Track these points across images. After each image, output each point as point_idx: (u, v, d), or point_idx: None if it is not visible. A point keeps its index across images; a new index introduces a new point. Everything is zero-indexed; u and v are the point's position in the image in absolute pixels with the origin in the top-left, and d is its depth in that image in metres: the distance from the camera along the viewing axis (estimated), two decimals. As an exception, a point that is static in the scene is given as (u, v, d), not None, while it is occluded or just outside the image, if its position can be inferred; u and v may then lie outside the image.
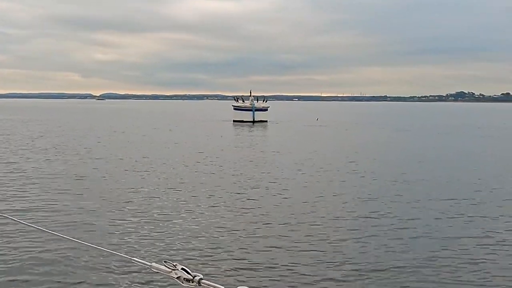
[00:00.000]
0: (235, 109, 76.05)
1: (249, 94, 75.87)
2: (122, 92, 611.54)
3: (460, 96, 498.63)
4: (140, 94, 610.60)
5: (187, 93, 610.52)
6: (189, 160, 28.87)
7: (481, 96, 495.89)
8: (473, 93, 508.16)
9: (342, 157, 30.94)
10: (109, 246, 11.76)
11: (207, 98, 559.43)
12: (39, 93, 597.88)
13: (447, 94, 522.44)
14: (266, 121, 73.46)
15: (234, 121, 73.91)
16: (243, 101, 75.38)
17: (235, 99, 77.61)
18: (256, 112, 72.99)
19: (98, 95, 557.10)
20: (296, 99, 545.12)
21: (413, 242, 13.04)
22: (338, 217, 15.60)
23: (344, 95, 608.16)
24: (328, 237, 13.28)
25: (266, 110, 75.34)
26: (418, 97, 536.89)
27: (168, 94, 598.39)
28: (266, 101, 76.85)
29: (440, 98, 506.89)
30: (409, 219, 15.23)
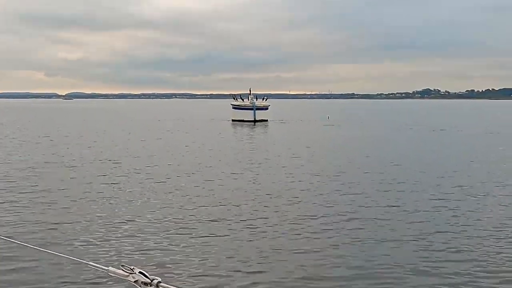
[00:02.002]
0: (234, 108, 72.91)
1: (249, 92, 72.83)
2: (89, 91, 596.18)
3: (426, 93, 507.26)
4: (107, 93, 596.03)
5: (155, 91, 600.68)
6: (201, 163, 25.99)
7: (446, 93, 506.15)
8: (439, 90, 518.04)
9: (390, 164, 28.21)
10: (63, 250, 11.42)
11: (176, 97, 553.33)
12: (2, 93, 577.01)
13: (414, 91, 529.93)
14: (267, 120, 70.57)
15: (233, 120, 70.77)
16: (243, 99, 72.27)
17: (233, 98, 74.59)
18: (256, 111, 69.94)
19: (63, 94, 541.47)
20: (266, 98, 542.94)
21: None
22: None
23: (313, 93, 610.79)
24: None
25: (267, 109, 72.39)
26: (386, 94, 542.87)
27: (136, 93, 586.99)
28: (266, 100, 73.82)
29: (407, 95, 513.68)
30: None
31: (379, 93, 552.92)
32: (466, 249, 11.87)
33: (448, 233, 13.15)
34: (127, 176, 22.14)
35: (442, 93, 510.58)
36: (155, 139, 42.28)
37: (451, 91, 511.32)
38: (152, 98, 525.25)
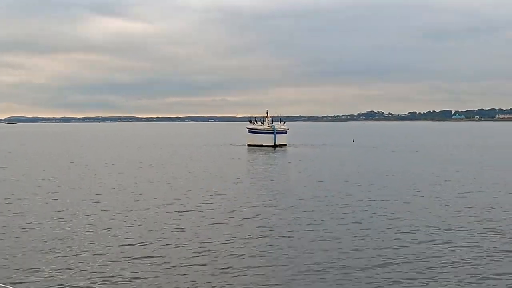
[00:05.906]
0: (250, 131, 69.00)
1: (266, 115, 69.24)
2: (30, 115, 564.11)
3: (370, 115, 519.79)
4: (49, 117, 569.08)
5: (100, 115, 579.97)
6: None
7: (390, 115, 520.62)
8: (383, 112, 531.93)
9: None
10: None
11: (121, 120, 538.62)
12: None
13: (359, 113, 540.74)
14: (286, 145, 67.09)
15: (249, 145, 66.86)
16: (262, 122, 68.57)
17: (249, 121, 70.83)
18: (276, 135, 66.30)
19: (3, 118, 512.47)
20: (212, 120, 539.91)
21: None
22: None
23: (260, 116, 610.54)
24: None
25: (286, 132, 68.93)
26: (331, 116, 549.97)
27: (79, 117, 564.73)
28: (284, 123, 70.33)
29: (352, 118, 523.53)
30: None
31: (324, 115, 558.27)
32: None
33: None
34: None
35: (386, 115, 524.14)
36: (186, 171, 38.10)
37: (394, 113, 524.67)
38: (97, 122, 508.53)
